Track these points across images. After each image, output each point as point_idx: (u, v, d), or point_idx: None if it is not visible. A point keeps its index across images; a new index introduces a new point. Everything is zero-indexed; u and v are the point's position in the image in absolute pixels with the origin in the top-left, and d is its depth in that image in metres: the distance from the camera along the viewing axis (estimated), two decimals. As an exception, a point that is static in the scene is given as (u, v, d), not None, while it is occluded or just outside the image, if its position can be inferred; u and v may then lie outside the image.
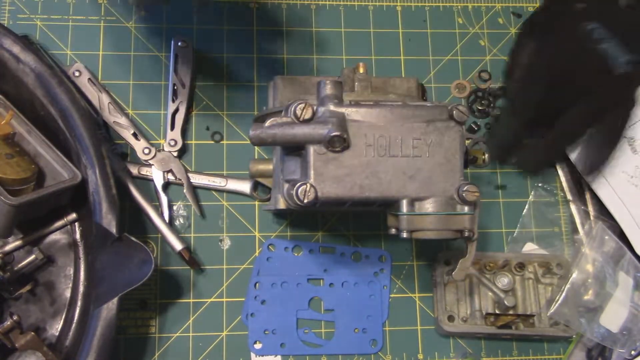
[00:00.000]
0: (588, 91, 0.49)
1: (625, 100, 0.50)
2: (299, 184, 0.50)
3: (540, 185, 0.73)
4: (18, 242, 0.64)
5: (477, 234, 0.55)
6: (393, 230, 0.55)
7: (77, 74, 0.69)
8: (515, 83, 0.54)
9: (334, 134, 0.50)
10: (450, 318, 0.66)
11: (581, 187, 0.73)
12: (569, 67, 0.50)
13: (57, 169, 0.61)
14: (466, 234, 0.53)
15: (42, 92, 0.60)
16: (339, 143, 0.51)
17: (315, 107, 0.52)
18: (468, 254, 0.56)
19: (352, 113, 0.52)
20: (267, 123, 0.52)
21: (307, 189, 0.50)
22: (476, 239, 0.55)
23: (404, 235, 0.53)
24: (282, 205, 0.57)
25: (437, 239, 0.53)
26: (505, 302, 0.64)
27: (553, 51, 0.51)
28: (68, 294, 0.64)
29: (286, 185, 0.53)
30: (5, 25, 0.68)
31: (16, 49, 0.60)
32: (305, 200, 0.50)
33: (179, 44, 0.70)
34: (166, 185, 0.68)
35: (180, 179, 0.68)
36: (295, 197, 0.50)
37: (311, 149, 0.51)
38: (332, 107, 0.52)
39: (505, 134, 0.56)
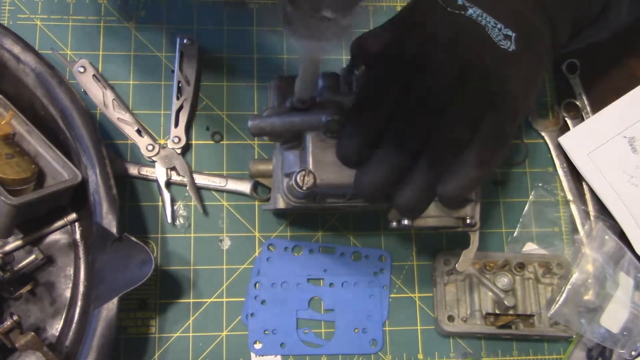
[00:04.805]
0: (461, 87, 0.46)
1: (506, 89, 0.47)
2: (298, 171, 0.50)
3: (540, 185, 0.73)
4: (18, 242, 0.64)
5: (480, 223, 0.55)
6: (394, 224, 0.55)
7: (81, 69, 0.69)
8: (367, 78, 0.52)
9: (331, 118, 0.50)
10: (450, 318, 0.66)
11: (581, 187, 0.73)
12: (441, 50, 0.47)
13: (57, 169, 0.61)
14: (468, 221, 0.53)
15: (42, 92, 0.60)
16: (336, 127, 0.51)
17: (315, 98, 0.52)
18: (471, 244, 0.56)
19: (349, 101, 0.52)
20: (266, 112, 0.52)
21: (306, 174, 0.50)
22: (479, 228, 0.55)
23: (405, 222, 0.52)
24: (281, 204, 0.57)
25: (438, 226, 0.53)
26: (505, 302, 0.64)
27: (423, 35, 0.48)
28: (68, 294, 0.64)
29: (286, 180, 0.53)
30: (5, 25, 0.68)
31: (16, 49, 0.60)
32: (304, 187, 0.50)
33: (185, 41, 0.70)
34: (168, 184, 0.68)
35: (183, 176, 0.68)
36: (294, 184, 0.50)
37: (309, 136, 0.51)
38: (329, 96, 0.53)
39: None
